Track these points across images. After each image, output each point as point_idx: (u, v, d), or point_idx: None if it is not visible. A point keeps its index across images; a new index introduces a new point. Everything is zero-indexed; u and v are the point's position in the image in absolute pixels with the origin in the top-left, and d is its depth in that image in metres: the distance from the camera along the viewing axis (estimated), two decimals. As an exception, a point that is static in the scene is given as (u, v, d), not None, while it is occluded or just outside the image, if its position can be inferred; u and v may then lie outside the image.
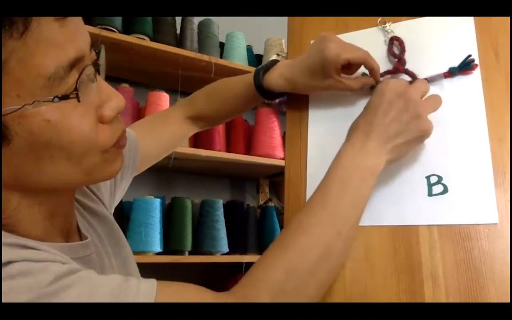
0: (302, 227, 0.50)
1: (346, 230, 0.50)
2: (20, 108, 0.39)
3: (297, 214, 0.52)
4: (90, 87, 0.44)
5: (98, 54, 0.47)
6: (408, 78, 0.62)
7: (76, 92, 0.42)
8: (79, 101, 0.42)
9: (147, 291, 0.42)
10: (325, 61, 0.60)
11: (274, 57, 1.85)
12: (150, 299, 0.41)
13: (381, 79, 0.63)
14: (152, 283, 0.43)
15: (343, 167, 0.52)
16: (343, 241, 0.50)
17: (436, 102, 0.56)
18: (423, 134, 0.53)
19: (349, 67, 0.63)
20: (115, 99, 0.47)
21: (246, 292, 0.47)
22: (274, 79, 0.68)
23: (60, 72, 0.40)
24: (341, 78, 0.62)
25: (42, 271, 0.39)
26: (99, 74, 0.46)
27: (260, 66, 0.72)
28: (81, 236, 0.56)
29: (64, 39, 0.41)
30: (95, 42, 1.57)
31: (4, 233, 0.42)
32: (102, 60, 0.48)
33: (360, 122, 0.55)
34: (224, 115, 0.81)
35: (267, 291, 0.46)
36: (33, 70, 0.39)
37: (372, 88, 0.63)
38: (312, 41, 0.65)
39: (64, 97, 0.41)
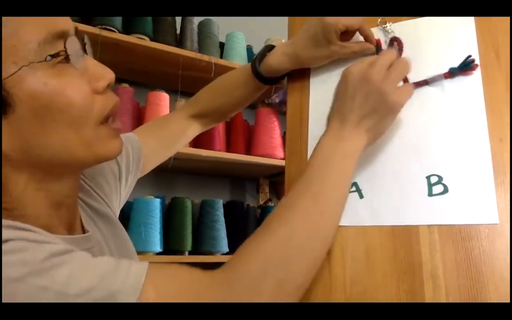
0: (290, 208, 0.52)
1: (330, 210, 0.53)
2: (18, 70, 0.43)
3: (282, 200, 0.54)
4: (80, 62, 0.48)
5: (82, 40, 0.51)
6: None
7: (65, 50, 0.46)
8: (68, 60, 0.46)
9: (137, 271, 0.42)
10: (326, 27, 0.63)
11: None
12: (140, 278, 0.42)
13: None
14: (143, 264, 0.43)
15: (323, 154, 0.55)
16: (326, 219, 0.53)
17: (403, 66, 0.56)
18: (394, 108, 0.55)
19: (345, 37, 0.65)
20: (105, 72, 0.51)
21: (237, 263, 0.47)
22: (276, 59, 0.70)
23: (50, 38, 0.45)
24: (343, 43, 0.65)
25: (36, 248, 0.40)
26: (86, 53, 0.50)
27: (256, 54, 0.73)
28: (84, 231, 0.58)
29: (50, 16, 0.46)
30: (95, 42, 1.58)
31: (6, 219, 0.43)
32: (88, 45, 0.52)
33: (333, 112, 0.58)
34: (227, 109, 0.82)
35: (257, 260, 0.47)
36: (24, 37, 0.43)
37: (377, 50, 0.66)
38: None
39: (55, 55, 0.45)
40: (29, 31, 0.44)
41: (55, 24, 0.46)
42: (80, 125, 0.47)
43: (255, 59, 0.72)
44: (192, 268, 0.46)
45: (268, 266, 0.47)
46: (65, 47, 0.46)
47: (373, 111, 0.54)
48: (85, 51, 0.50)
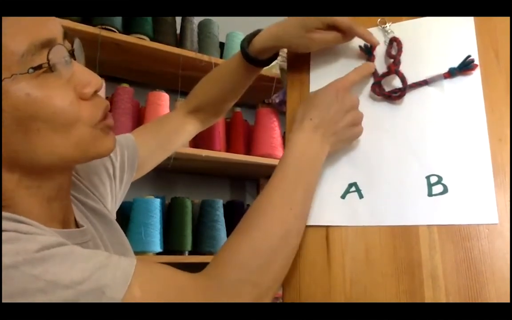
0: (264, 210, 0.54)
1: (301, 211, 0.56)
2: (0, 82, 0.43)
3: (257, 198, 0.56)
4: (66, 69, 0.47)
5: (72, 44, 0.50)
6: (398, 79, 0.62)
7: (48, 62, 0.45)
8: (52, 70, 0.45)
9: (126, 268, 0.43)
10: (306, 22, 0.64)
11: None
12: (128, 276, 0.43)
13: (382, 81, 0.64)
14: (131, 261, 0.45)
15: (295, 154, 0.57)
16: (299, 221, 0.55)
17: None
18: (354, 137, 0.62)
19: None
20: (92, 78, 0.50)
21: (216, 271, 0.50)
22: (260, 37, 0.70)
23: (32, 49, 0.44)
24: (318, 33, 0.64)
25: (30, 240, 0.41)
26: (74, 59, 0.50)
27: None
28: (78, 226, 0.58)
29: (35, 22, 0.45)
30: (95, 42, 1.58)
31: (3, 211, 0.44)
32: (79, 49, 0.51)
33: (313, 113, 0.59)
34: (222, 98, 0.81)
35: (235, 270, 0.49)
36: (7, 48, 0.43)
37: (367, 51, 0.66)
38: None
39: (38, 68, 0.44)
40: (12, 42, 0.43)
41: (39, 33, 0.45)
42: (68, 130, 0.47)
43: (244, 40, 0.72)
44: (177, 271, 0.48)
45: (245, 274, 0.49)
46: (48, 58, 0.45)
47: (343, 130, 0.59)
48: (73, 56, 0.50)
